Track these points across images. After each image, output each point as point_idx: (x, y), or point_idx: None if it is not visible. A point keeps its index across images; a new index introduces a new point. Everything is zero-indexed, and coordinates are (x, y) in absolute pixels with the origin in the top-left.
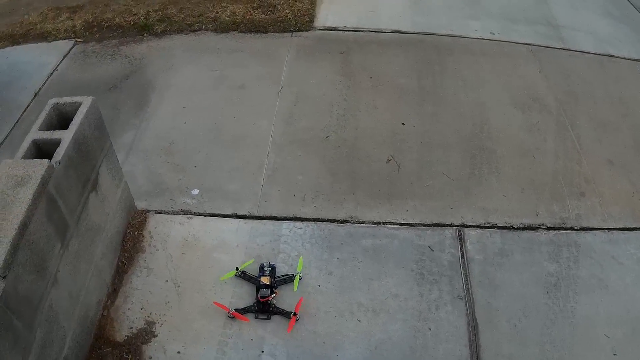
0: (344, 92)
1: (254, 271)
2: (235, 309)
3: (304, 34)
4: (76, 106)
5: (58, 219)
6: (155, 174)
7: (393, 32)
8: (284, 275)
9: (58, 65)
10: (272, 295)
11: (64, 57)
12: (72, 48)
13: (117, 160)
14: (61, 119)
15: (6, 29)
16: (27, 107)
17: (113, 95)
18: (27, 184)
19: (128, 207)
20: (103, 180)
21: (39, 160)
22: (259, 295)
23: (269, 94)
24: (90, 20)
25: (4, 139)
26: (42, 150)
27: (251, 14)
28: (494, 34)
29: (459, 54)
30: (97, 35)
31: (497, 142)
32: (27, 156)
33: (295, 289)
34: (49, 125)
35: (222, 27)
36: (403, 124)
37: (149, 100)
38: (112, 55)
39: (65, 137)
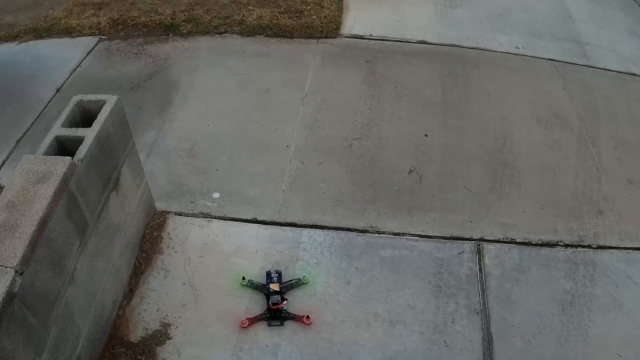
0: (368, 101)
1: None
2: (247, 318)
3: (330, 40)
4: (100, 104)
5: (78, 217)
6: (176, 175)
7: (419, 42)
8: (290, 280)
9: (81, 62)
10: (283, 302)
11: (88, 53)
12: (96, 45)
13: (139, 160)
14: (84, 117)
15: (30, 23)
16: (49, 102)
17: (136, 94)
18: (49, 180)
19: (148, 207)
20: (124, 179)
21: (61, 157)
22: (270, 303)
23: (294, 100)
24: (116, 18)
25: (25, 132)
26: (65, 147)
27: (278, 19)
28: (519, 48)
29: (484, 67)
30: (122, 33)
31: (519, 157)
32: (49, 152)
33: (307, 281)
34: (72, 122)
35: (248, 31)
36: (426, 135)
37: (173, 101)
38: (136, 54)
39: (89, 135)
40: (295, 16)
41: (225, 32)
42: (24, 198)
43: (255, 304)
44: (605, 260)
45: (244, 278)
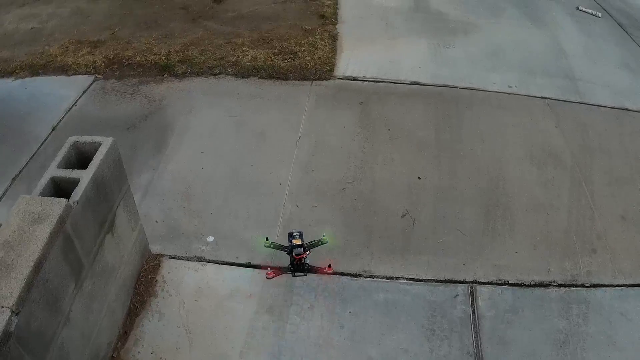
0: (362, 143)
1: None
2: (272, 270)
3: (324, 82)
4: (96, 146)
5: (73, 259)
6: (171, 218)
7: (412, 83)
8: (311, 241)
9: (77, 100)
10: (306, 253)
11: (84, 92)
12: (92, 84)
13: (134, 203)
14: (80, 158)
15: (26, 59)
16: (44, 141)
17: (131, 135)
18: (45, 221)
19: (143, 250)
20: (120, 222)
21: (57, 199)
22: (293, 254)
23: (288, 143)
24: (111, 57)
25: (21, 170)
26: (60, 188)
27: (272, 60)
28: (512, 87)
29: (477, 107)
30: (118, 73)
31: (512, 197)
32: (45, 193)
33: (327, 241)
34: (68, 164)
35: (243, 72)
36: (419, 178)
37: (168, 143)
38: (131, 94)
39: (84, 176)
40: (290, 57)
41: (220, 73)
42: (20, 238)
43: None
44: (599, 298)
45: (267, 239)
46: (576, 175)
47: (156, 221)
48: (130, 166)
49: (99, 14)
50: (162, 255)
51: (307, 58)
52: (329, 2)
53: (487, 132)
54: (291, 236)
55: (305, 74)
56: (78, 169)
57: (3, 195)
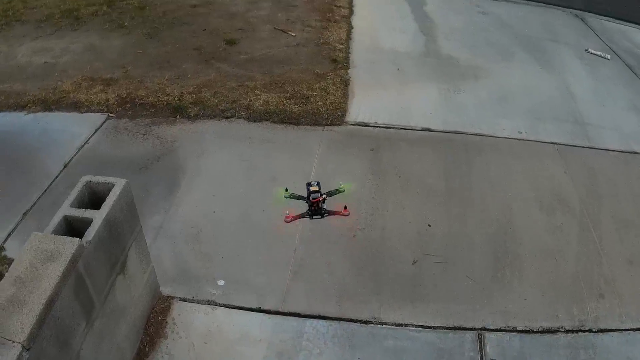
0: (373, 190)
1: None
2: (291, 215)
3: (336, 128)
4: (109, 187)
5: (85, 298)
6: (182, 261)
7: (423, 130)
8: (328, 190)
9: (89, 138)
10: (322, 197)
11: (96, 130)
12: (104, 122)
13: (146, 244)
14: (93, 198)
15: (39, 93)
16: (56, 177)
17: (143, 175)
18: (57, 260)
19: (153, 291)
20: (131, 263)
21: (69, 238)
22: (310, 198)
23: (299, 189)
24: (124, 96)
25: (32, 206)
26: (73, 227)
27: (284, 104)
28: (522, 132)
29: (487, 153)
30: (130, 112)
31: (521, 244)
32: (57, 231)
33: (344, 190)
34: (81, 203)
35: (255, 116)
36: (429, 225)
37: (179, 185)
38: (144, 134)
39: (97, 217)
40: (302, 102)
41: (232, 116)
42: (32, 275)
43: None
44: (606, 343)
45: (286, 190)
46: (584, 221)
47: (167, 263)
48: (142, 207)
49: (112, 51)
50: (173, 297)
51: (319, 103)
52: (341, 46)
53: (497, 179)
54: (309, 185)
55: (317, 119)
56: (91, 208)
57: (14, 229)
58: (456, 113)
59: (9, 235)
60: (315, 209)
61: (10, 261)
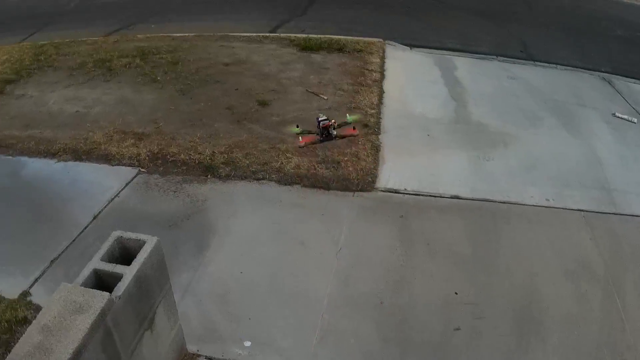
0: (401, 257)
1: None
2: (304, 139)
3: (365, 194)
4: (140, 244)
5: (112, 352)
6: (209, 320)
7: (452, 197)
8: (338, 123)
9: (120, 192)
10: (332, 121)
11: (127, 184)
12: (135, 177)
13: (174, 301)
14: (123, 253)
15: (70, 142)
16: (85, 228)
17: (173, 233)
18: (86, 312)
19: (179, 349)
20: (159, 319)
21: (99, 292)
22: (320, 124)
23: (328, 254)
24: (156, 152)
25: (60, 254)
26: (102, 280)
27: (315, 169)
28: (549, 200)
29: (515, 222)
30: (162, 169)
31: (546, 312)
32: (86, 284)
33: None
34: (111, 258)
35: (286, 179)
36: (456, 293)
37: (209, 245)
38: (174, 191)
39: (128, 273)
40: (333, 167)
41: (263, 178)
42: (60, 325)
43: None
44: None
45: (297, 126)
46: (609, 288)
47: (194, 321)
48: (171, 264)
49: (145, 105)
50: (199, 356)
51: (350, 168)
52: (372, 111)
53: (523, 246)
54: (318, 117)
55: (347, 185)
56: (121, 264)
57: (40, 276)
58: (485, 181)
59: (36, 280)
60: (326, 135)
61: (35, 306)
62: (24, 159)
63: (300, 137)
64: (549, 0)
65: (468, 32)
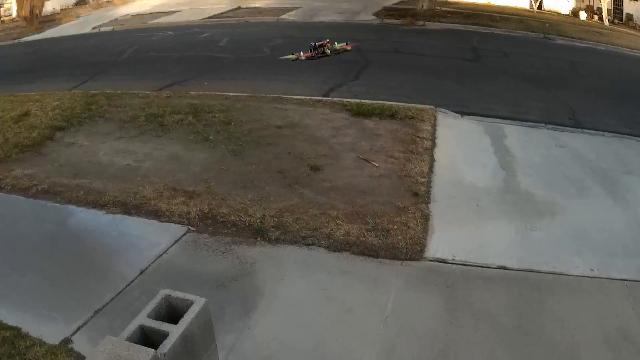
0: (447, 328)
1: None
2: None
3: (414, 263)
4: (188, 304)
5: None
6: None
7: (499, 267)
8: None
9: (168, 249)
10: (325, 41)
11: (175, 242)
12: (184, 235)
13: None
14: (170, 311)
15: (119, 195)
16: (131, 282)
17: (220, 293)
18: None
19: None
20: None
21: (144, 348)
22: (315, 44)
23: (374, 322)
24: (206, 211)
25: (104, 305)
26: (148, 336)
27: (365, 237)
28: (593, 270)
29: (560, 292)
30: (211, 228)
31: None
32: (132, 339)
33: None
34: (158, 315)
35: (335, 246)
36: None
37: (256, 307)
38: (223, 252)
39: (174, 332)
40: (382, 235)
41: (313, 244)
42: None
43: None
44: None
45: (292, 53)
46: None
47: None
48: (217, 324)
49: (196, 164)
50: None
51: (399, 237)
52: (423, 179)
53: (566, 317)
54: (312, 43)
55: (396, 253)
56: (167, 322)
57: (83, 324)
58: (531, 251)
59: (78, 329)
60: (322, 53)
61: (76, 354)
62: (72, 207)
63: (298, 54)
64: (594, 65)
65: (517, 99)
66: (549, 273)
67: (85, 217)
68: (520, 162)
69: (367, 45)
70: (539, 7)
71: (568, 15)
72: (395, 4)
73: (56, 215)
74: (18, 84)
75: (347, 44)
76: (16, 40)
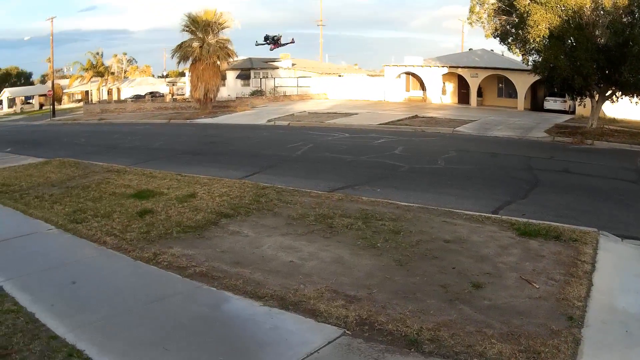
0: None
1: None
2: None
3: None
4: None
5: None
6: None
7: None
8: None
9: (320, 349)
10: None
11: (329, 342)
12: (338, 337)
13: None
14: None
15: (279, 290)
16: None
17: None
18: None
19: None
20: None
21: None
22: (274, 38)
23: None
24: (364, 317)
25: None
26: None
27: (516, 357)
28: None
29: None
30: (367, 334)
31: None
32: None
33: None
34: None
35: None
36: None
37: None
38: (375, 359)
39: None
40: (533, 357)
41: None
42: None
43: None
44: None
45: (257, 41)
46: None
47: None
48: None
49: (360, 269)
50: None
51: None
52: (579, 303)
53: None
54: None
55: None
56: None
57: None
58: None
59: None
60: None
61: None
62: (228, 294)
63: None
64: None
65: None
66: None
67: (240, 305)
68: None
69: (538, 163)
70: None
71: None
72: (566, 121)
73: (210, 299)
74: (186, 165)
75: (292, 39)
76: (187, 121)
